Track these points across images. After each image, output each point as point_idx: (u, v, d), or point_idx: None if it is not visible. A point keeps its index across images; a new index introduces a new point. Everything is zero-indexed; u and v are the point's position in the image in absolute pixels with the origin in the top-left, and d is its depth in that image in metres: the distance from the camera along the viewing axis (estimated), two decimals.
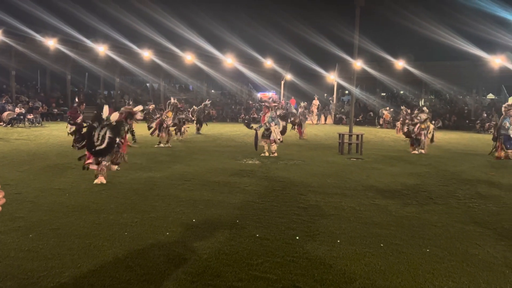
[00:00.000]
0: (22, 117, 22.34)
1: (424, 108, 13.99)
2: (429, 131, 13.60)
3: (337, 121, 33.63)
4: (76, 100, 13.31)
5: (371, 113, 33.50)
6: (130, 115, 8.09)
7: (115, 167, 7.88)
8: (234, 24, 38.68)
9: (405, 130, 13.78)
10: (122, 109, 8.10)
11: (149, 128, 14.01)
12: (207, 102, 20.72)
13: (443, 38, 28.33)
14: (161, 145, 13.48)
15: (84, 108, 13.13)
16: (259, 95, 38.94)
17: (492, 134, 12.99)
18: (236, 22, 40.88)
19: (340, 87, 37.26)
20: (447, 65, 32.41)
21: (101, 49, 29.37)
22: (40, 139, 15.20)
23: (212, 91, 41.25)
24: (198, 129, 19.36)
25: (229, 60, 33.31)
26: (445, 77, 31.45)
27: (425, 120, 13.46)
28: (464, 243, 4.62)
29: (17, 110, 22.86)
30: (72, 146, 12.45)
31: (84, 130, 7.73)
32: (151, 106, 19.68)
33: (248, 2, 45.08)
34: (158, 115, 14.27)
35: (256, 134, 11.88)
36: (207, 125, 19.93)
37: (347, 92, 40.85)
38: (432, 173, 9.36)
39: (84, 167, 7.61)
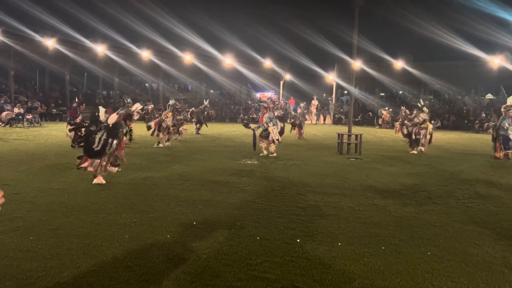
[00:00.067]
0: (20, 117, 22.29)
1: (424, 108, 13.97)
2: (428, 131, 13.62)
3: (336, 121, 33.65)
4: (76, 100, 13.31)
5: (370, 113, 33.53)
6: (129, 117, 8.07)
7: (115, 169, 7.86)
8: (233, 24, 38.66)
9: (405, 131, 13.79)
10: (121, 111, 8.07)
11: (148, 127, 14.00)
12: (206, 103, 20.71)
13: (442, 38, 28.38)
14: (160, 145, 13.48)
15: (84, 108, 13.13)
16: (258, 95, 38.96)
17: (491, 135, 13.00)
18: (235, 22, 40.85)
19: (339, 87, 37.26)
20: (446, 65, 32.45)
21: (100, 49, 29.33)
22: (39, 139, 15.18)
23: (211, 91, 41.25)
24: (198, 129, 19.36)
25: (228, 60, 33.30)
26: (444, 77, 31.50)
27: (424, 120, 13.47)
28: (463, 243, 4.63)
29: (16, 110, 22.82)
30: (71, 146, 12.54)
31: (83, 130, 7.72)
32: (150, 106, 19.68)
33: (247, 2, 45.12)
34: (157, 115, 14.27)
35: (254, 134, 11.89)
36: (207, 126, 19.91)
37: (346, 92, 40.86)
38: (431, 173, 9.37)
39: (79, 168, 7.59)
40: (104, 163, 7.49)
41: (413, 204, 6.41)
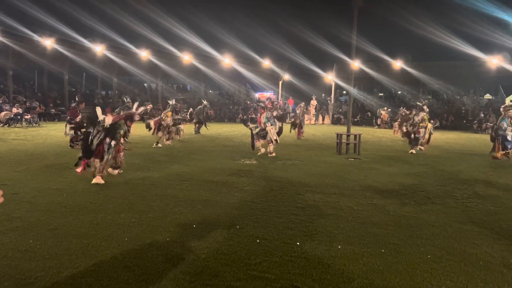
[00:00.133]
0: (19, 117, 22.26)
1: (425, 107, 13.98)
2: (427, 130, 13.63)
3: (335, 121, 33.67)
4: (76, 99, 13.29)
5: (369, 113, 33.55)
6: (130, 117, 8.07)
7: (116, 171, 7.83)
8: (232, 24, 38.75)
9: (404, 129, 13.81)
10: (121, 111, 8.06)
11: (147, 125, 13.98)
12: (206, 102, 20.70)
13: (441, 38, 28.43)
14: (159, 145, 13.46)
15: (84, 108, 13.11)
16: (257, 95, 38.95)
17: (489, 135, 13.01)
18: (234, 22, 40.96)
19: (338, 87, 37.30)
20: (445, 65, 32.49)
21: (99, 49, 29.31)
22: (37, 139, 15.16)
23: (210, 91, 41.23)
24: (198, 129, 19.35)
25: (227, 60, 33.30)
26: (442, 77, 31.55)
27: (423, 119, 13.49)
28: (462, 243, 4.63)
29: (14, 110, 22.80)
30: (70, 146, 12.54)
31: (83, 130, 7.72)
32: (149, 106, 19.69)
33: (246, 2, 45.13)
34: (156, 115, 14.28)
35: (252, 134, 11.89)
36: (207, 127, 19.89)
37: (345, 92, 40.91)
38: (429, 173, 9.38)
39: (77, 164, 7.58)
40: (104, 163, 7.49)
41: (412, 204, 6.41)
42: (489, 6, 27.04)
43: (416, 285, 3.59)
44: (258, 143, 11.85)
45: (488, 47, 28.13)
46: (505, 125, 11.82)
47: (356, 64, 27.83)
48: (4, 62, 27.29)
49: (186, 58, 32.23)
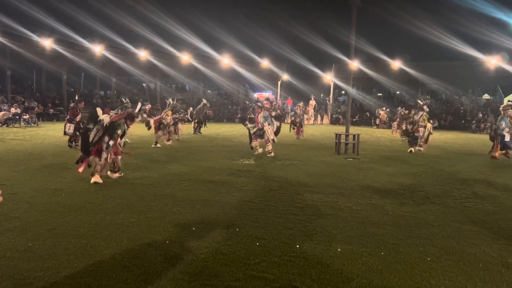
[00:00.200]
0: (17, 117, 22.23)
1: (425, 107, 13.99)
2: (427, 129, 13.65)
3: (334, 121, 33.69)
4: (76, 97, 13.29)
5: (368, 113, 33.58)
6: (131, 117, 8.06)
7: (115, 175, 7.79)
8: (231, 24, 38.71)
9: (403, 128, 13.83)
10: (121, 111, 8.05)
11: (147, 123, 13.97)
12: (205, 101, 20.69)
13: (439, 38, 28.48)
14: (158, 145, 13.45)
15: (83, 107, 13.10)
16: (255, 95, 38.95)
17: (489, 135, 13.02)
18: (233, 22, 40.94)
19: (336, 87, 37.33)
20: (443, 65, 32.52)
21: (97, 49, 29.27)
22: (36, 139, 15.13)
23: (209, 91, 41.21)
24: (199, 128, 19.33)
25: (226, 60, 33.30)
26: (441, 77, 31.58)
27: (423, 119, 13.52)
28: (460, 242, 4.64)
29: (13, 110, 22.76)
30: (68, 145, 12.52)
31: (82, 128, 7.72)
32: (148, 106, 19.67)
33: (245, 2, 45.12)
34: (157, 115, 14.28)
35: (250, 133, 11.87)
36: (206, 126, 19.90)
37: (343, 92, 40.92)
38: (428, 173, 9.39)
39: (78, 162, 7.57)
40: (102, 162, 7.47)
41: (411, 204, 6.42)
42: (488, 6, 27.10)
43: (415, 284, 3.59)
44: (256, 142, 11.84)
45: (486, 47, 28.22)
46: (503, 124, 11.84)
47: (354, 64, 27.87)
48: (2, 62, 27.25)
49: (185, 58, 32.21)
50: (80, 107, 12.81)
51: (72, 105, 13.10)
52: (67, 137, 12.92)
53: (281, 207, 6.01)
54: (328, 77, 36.96)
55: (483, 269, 3.92)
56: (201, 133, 19.03)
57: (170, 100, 14.93)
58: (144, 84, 40.75)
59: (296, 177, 8.50)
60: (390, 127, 24.79)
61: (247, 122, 12.48)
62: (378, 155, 12.65)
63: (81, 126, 7.94)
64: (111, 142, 7.52)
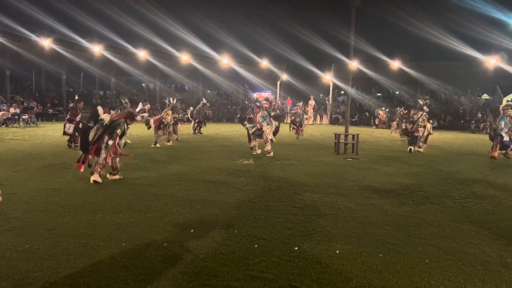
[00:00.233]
0: (17, 117, 22.22)
1: (425, 107, 14.01)
2: (426, 130, 13.67)
3: (333, 121, 33.70)
4: (76, 98, 13.29)
5: (367, 113, 33.60)
6: (131, 116, 8.06)
7: (115, 177, 7.76)
8: (230, 24, 38.75)
9: (403, 126, 13.85)
10: (120, 111, 8.06)
11: (147, 122, 13.96)
12: (205, 101, 20.68)
13: (438, 38, 28.52)
14: (157, 145, 13.45)
15: (82, 106, 13.10)
16: (255, 95, 38.96)
17: (488, 134, 13.02)
18: (232, 22, 40.95)
19: (336, 87, 37.35)
20: (442, 65, 32.56)
21: (97, 49, 29.25)
22: (35, 139, 15.12)
23: (208, 91, 41.20)
24: (199, 128, 19.31)
25: (225, 60, 33.29)
26: (440, 77, 31.60)
27: (423, 119, 13.55)
28: (460, 242, 4.64)
29: (12, 110, 22.74)
30: (68, 145, 12.51)
31: (82, 126, 7.72)
32: (147, 106, 19.66)
33: (245, 2, 45.13)
34: (157, 115, 14.27)
35: (249, 133, 11.86)
36: (205, 125, 19.90)
37: (342, 92, 40.95)
38: (427, 173, 9.39)
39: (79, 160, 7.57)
40: (102, 161, 7.45)
41: (410, 204, 6.42)
42: (487, 6, 27.14)
43: (414, 284, 3.59)
44: (254, 142, 11.83)
45: (485, 48, 28.27)
46: (502, 124, 11.84)
47: (354, 64, 27.90)
48: (1, 62, 27.24)
49: (184, 58, 32.20)
50: (80, 107, 12.80)
51: (71, 105, 13.10)
52: (66, 137, 12.91)
53: (280, 207, 6.01)
54: (328, 77, 36.98)
55: (482, 269, 3.92)
56: (201, 133, 19.03)
57: (171, 99, 14.91)
58: (143, 84, 40.74)
59: (296, 177, 8.50)
60: (389, 127, 24.81)
61: (246, 122, 12.47)
62: (378, 155, 12.66)
63: (81, 126, 7.93)
64: (110, 142, 7.51)
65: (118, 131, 7.65)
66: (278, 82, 37.34)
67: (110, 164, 7.62)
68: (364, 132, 21.45)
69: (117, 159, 7.77)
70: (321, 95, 42.94)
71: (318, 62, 35.53)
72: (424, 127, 13.67)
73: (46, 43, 27.26)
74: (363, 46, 29.09)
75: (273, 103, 26.13)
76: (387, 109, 29.94)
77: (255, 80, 36.63)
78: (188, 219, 5.33)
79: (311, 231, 4.92)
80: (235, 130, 21.34)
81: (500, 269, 3.95)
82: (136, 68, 32.62)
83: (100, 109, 7.76)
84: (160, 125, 13.68)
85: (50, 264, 3.81)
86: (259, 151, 11.68)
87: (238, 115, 32.00)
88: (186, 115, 18.54)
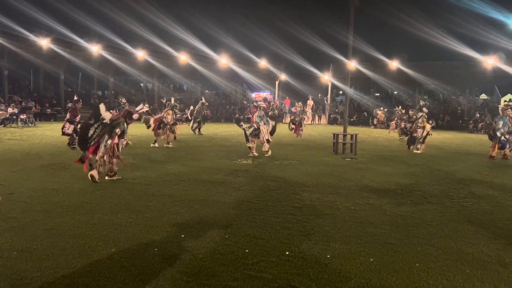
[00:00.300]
0: (15, 117, 22.16)
1: (424, 109, 14.03)
2: (425, 130, 13.69)
3: (332, 121, 33.72)
4: (75, 98, 13.25)
5: (365, 113, 33.63)
6: (130, 114, 8.05)
7: (113, 178, 7.74)
8: (229, 24, 38.74)
9: (402, 125, 13.88)
10: (119, 111, 8.07)
11: (147, 123, 13.93)
12: (204, 100, 20.64)
13: (437, 39, 28.56)
14: (156, 145, 13.43)
15: (81, 107, 13.07)
16: (253, 95, 38.95)
17: (488, 134, 13.05)
18: (231, 22, 40.94)
19: (334, 87, 37.36)
20: (441, 65, 32.59)
21: (95, 48, 29.19)
22: (33, 139, 15.09)
23: (207, 91, 41.15)
24: (199, 129, 19.29)
25: (224, 60, 33.27)
26: (438, 77, 31.64)
27: (422, 120, 13.58)
28: (458, 242, 4.65)
29: (10, 110, 22.67)
30: (68, 145, 12.48)
31: (82, 124, 7.72)
32: (145, 106, 19.56)
33: (244, 2, 45.13)
34: (159, 114, 14.23)
35: (246, 134, 11.82)
36: (203, 124, 19.89)
37: (341, 92, 40.98)
38: (426, 173, 9.41)
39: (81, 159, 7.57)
40: (98, 158, 7.43)
41: (409, 204, 6.43)
42: (485, 6, 27.19)
43: (413, 284, 3.60)
44: (253, 143, 11.79)
45: (483, 48, 28.31)
46: (500, 124, 11.87)
47: (352, 64, 27.89)
48: None
49: (183, 58, 32.17)
50: (78, 107, 12.78)
51: (70, 105, 13.09)
52: (64, 137, 12.88)
53: (279, 207, 6.01)
54: (326, 77, 36.98)
55: (481, 269, 3.93)
56: (201, 134, 19.00)
57: (172, 99, 14.87)
58: (142, 84, 40.68)
59: (294, 177, 8.50)
60: (387, 127, 24.84)
61: (242, 123, 12.45)
62: (376, 155, 12.67)
63: (81, 124, 7.92)
64: (109, 141, 7.51)
65: (117, 130, 7.64)
66: (277, 82, 37.34)
67: (107, 162, 7.60)
68: (363, 132, 21.46)
69: (114, 160, 7.73)
70: (319, 95, 42.97)
71: (317, 62, 35.60)
72: (423, 128, 13.70)
73: (44, 42, 27.19)
74: (361, 46, 29.14)
75: (271, 103, 26.11)
76: (386, 109, 29.97)
77: (254, 80, 36.61)
78: (187, 219, 5.33)
79: (310, 231, 4.92)
80: (233, 130, 21.32)
81: (498, 268, 3.95)
82: (134, 68, 32.56)
83: (102, 106, 7.74)
84: (160, 124, 13.66)
85: (49, 264, 3.80)
86: (256, 154, 11.63)
87: (237, 115, 31.99)
88: (184, 115, 18.52)
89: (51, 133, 17.34)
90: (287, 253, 4.21)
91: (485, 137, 13.38)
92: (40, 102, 28.41)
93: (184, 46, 31.45)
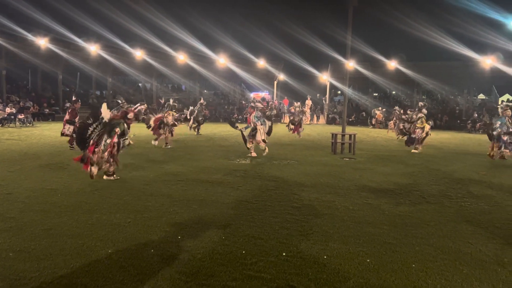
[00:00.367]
0: (13, 117, 22.13)
1: (423, 110, 14.05)
2: (424, 131, 13.71)
3: (330, 121, 33.75)
4: (74, 98, 13.23)
5: (364, 113, 33.67)
6: (127, 114, 8.05)
7: (111, 178, 7.72)
8: (228, 24, 38.77)
9: (401, 126, 13.89)
10: (116, 111, 8.05)
11: (147, 123, 13.90)
12: (202, 100, 20.63)
13: (435, 39, 28.60)
14: (156, 142, 13.41)
15: (79, 107, 13.05)
16: (252, 95, 38.96)
17: (487, 134, 13.06)
18: (230, 22, 40.95)
19: (332, 87, 37.39)
20: (439, 65, 32.68)
21: (93, 48, 29.15)
22: (31, 139, 15.06)
23: (205, 91, 41.17)
24: (198, 129, 19.26)
25: (222, 60, 33.27)
26: (437, 77, 31.72)
27: (421, 121, 13.61)
28: (456, 242, 4.66)
29: (8, 110, 22.65)
30: (68, 142, 12.45)
31: (81, 123, 7.71)
32: (144, 106, 19.54)
33: (242, 2, 45.13)
34: (159, 114, 14.20)
35: (243, 134, 11.80)
36: (203, 123, 19.90)
37: (339, 92, 41.02)
38: (424, 173, 9.42)
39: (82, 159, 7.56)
40: (99, 153, 7.41)
41: (407, 204, 6.44)
42: (483, 7, 27.24)
43: (411, 284, 3.60)
44: (251, 144, 11.76)
45: (481, 48, 28.39)
46: (498, 124, 11.88)
47: (351, 64, 27.94)
48: None
49: (181, 58, 32.15)
50: (77, 108, 12.76)
51: (68, 105, 13.07)
52: (63, 138, 12.85)
53: (277, 206, 6.01)
54: (324, 77, 37.02)
55: (479, 268, 3.94)
56: (200, 134, 18.99)
57: (171, 100, 14.83)
58: (140, 84, 40.66)
59: (293, 176, 8.50)
60: (386, 127, 24.87)
61: (237, 125, 12.43)
62: (374, 155, 12.69)
63: (80, 124, 7.91)
64: (108, 140, 7.50)
65: (117, 130, 7.64)
66: (275, 82, 37.35)
67: (106, 162, 7.58)
68: (361, 132, 21.49)
69: (111, 160, 7.72)
70: (318, 95, 43.00)
71: (315, 62, 35.65)
72: (422, 128, 13.72)
73: (42, 42, 27.14)
74: (360, 46, 29.17)
75: (270, 103, 26.11)
76: (384, 109, 30.01)
77: (252, 80, 36.64)
78: (185, 219, 5.32)
79: (308, 230, 4.93)
80: (232, 130, 21.17)
81: (496, 268, 3.96)
82: (132, 68, 32.52)
83: (104, 105, 7.72)
84: (160, 124, 13.64)
85: (47, 264, 3.80)
86: (254, 154, 11.61)
87: (235, 115, 31.96)
88: (183, 115, 18.50)
89: (49, 133, 17.31)
90: (283, 254, 4.20)
91: (483, 137, 13.41)
92: (38, 102, 28.38)
93: (182, 46, 31.46)
